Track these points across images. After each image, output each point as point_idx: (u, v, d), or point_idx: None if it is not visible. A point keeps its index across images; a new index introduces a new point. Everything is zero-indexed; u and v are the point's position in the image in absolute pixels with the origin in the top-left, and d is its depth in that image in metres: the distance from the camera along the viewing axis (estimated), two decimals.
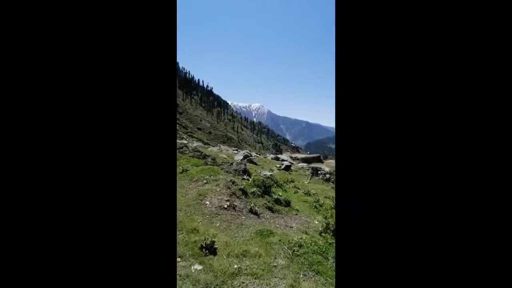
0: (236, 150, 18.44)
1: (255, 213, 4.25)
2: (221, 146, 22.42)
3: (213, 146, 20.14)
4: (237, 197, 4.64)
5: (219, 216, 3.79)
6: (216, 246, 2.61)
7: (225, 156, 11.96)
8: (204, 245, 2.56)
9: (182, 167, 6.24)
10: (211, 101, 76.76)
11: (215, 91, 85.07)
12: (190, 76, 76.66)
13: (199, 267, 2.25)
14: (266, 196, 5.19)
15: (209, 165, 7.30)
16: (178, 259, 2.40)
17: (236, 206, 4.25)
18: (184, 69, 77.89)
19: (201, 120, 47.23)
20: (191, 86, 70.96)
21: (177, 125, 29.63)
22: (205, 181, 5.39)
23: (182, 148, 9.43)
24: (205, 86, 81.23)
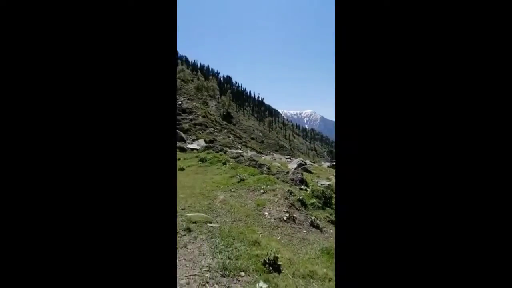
0: (289, 158, 18.11)
1: (317, 227, 3.92)
2: (274, 154, 22.47)
3: (266, 155, 20.35)
4: (296, 209, 4.40)
5: (279, 229, 3.63)
6: (279, 263, 2.46)
7: (278, 164, 11.84)
8: (267, 261, 2.44)
9: (239, 176, 6.40)
10: (263, 111, 78.83)
11: (265, 101, 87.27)
12: (242, 89, 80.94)
13: (264, 285, 2.13)
14: (327, 208, 4.78)
15: (265, 174, 7.29)
16: (242, 273, 2.34)
17: (296, 218, 4.03)
18: (236, 82, 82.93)
19: (253, 130, 48.84)
20: (243, 98, 74.69)
21: (232, 135, 31.33)
22: (262, 190, 5.35)
23: (238, 157, 9.80)
24: (256, 97, 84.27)
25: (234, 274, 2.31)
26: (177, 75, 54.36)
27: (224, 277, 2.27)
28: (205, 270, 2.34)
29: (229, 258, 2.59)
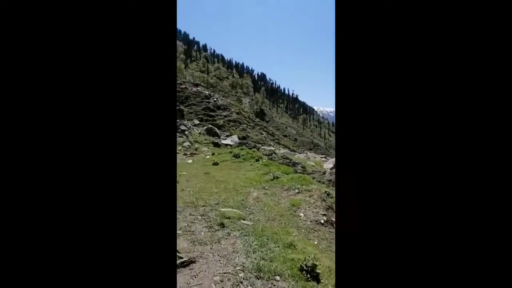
0: (325, 157, 17.30)
1: None
2: (308, 153, 21.76)
3: (300, 153, 19.80)
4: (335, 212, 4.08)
5: (316, 232, 3.39)
6: (318, 271, 2.25)
7: (313, 163, 11.36)
8: (304, 267, 2.25)
9: (272, 174, 6.26)
10: (297, 108, 77.30)
11: (300, 98, 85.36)
12: (276, 86, 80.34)
13: None
14: None
15: (299, 173, 7.02)
16: (277, 277, 2.20)
17: (334, 222, 3.72)
18: (271, 79, 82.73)
19: (286, 127, 48.16)
20: (277, 95, 74.14)
21: (265, 132, 31.28)
22: (296, 190, 5.12)
23: (271, 154, 9.66)
24: (290, 94, 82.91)
25: (268, 277, 2.18)
26: (213, 73, 56.46)
27: (258, 279, 2.16)
28: (239, 269, 2.26)
29: (263, 259, 2.47)
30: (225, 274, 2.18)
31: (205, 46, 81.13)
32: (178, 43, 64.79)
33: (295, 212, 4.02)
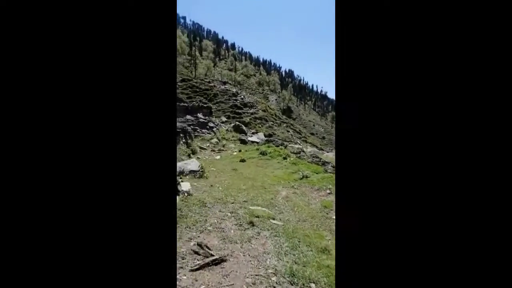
0: None
1: None
2: None
3: (328, 152, 19.03)
4: None
5: None
6: None
7: None
8: None
9: (302, 173, 6.05)
10: (325, 106, 74.72)
11: (330, 95, 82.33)
12: (304, 82, 78.45)
13: None
14: None
15: (330, 173, 6.68)
16: (312, 285, 2.04)
17: None
18: (298, 76, 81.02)
19: (314, 125, 46.81)
20: (305, 92, 72.37)
21: (291, 130, 30.72)
22: (328, 191, 4.86)
23: (299, 153, 9.39)
24: (319, 90, 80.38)
25: (303, 284, 2.04)
26: (241, 71, 57.04)
27: (292, 284, 2.03)
28: (271, 273, 2.16)
29: (295, 263, 2.34)
30: (257, 276, 2.09)
31: (233, 45, 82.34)
32: (208, 42, 66.67)
33: (327, 214, 3.79)
